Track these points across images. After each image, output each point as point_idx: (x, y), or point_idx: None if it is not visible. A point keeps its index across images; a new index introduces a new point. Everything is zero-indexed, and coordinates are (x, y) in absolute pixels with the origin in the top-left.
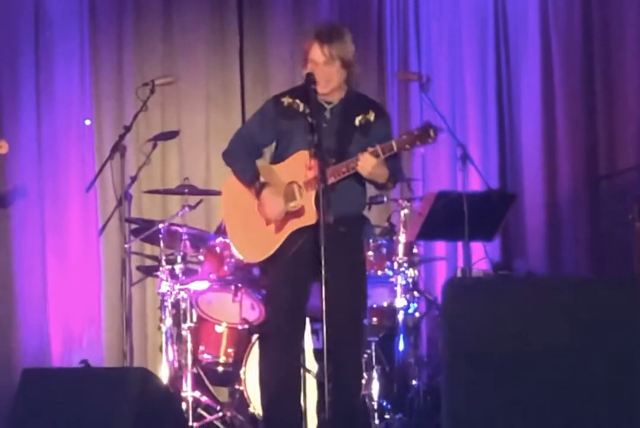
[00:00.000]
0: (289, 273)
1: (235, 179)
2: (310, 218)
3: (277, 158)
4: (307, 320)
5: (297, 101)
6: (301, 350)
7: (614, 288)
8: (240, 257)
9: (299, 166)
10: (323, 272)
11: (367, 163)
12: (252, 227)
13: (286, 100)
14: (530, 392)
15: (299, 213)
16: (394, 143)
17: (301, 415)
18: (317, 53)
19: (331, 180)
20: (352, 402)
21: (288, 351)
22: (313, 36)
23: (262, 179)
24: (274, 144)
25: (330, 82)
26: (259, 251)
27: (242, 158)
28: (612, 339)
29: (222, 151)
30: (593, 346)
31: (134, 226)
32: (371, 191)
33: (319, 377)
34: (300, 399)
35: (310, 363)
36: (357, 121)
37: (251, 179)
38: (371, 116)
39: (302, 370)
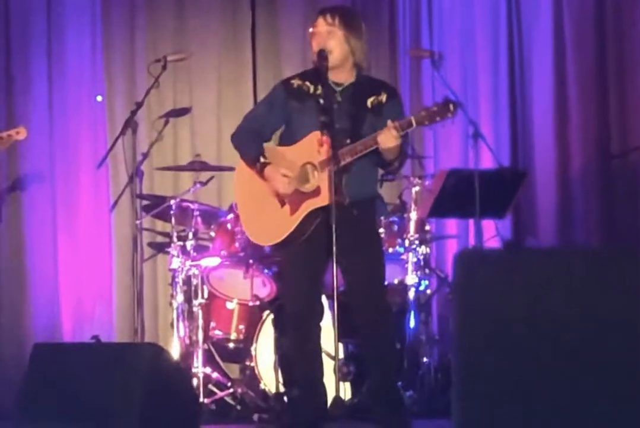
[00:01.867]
0: (304, 256)
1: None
2: (324, 198)
3: (287, 140)
4: (324, 298)
5: (307, 83)
6: (319, 332)
7: (624, 259)
8: (255, 241)
9: (314, 147)
10: (335, 253)
11: (388, 137)
12: (266, 210)
13: (296, 82)
14: (542, 365)
15: (314, 193)
16: (412, 119)
17: (326, 396)
18: (319, 23)
19: (348, 159)
20: (389, 381)
21: (307, 336)
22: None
23: (262, 159)
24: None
25: (331, 53)
26: (273, 234)
27: (248, 141)
28: (623, 309)
29: (232, 132)
30: (605, 317)
31: (145, 202)
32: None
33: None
34: (322, 379)
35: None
36: (369, 103)
37: (253, 161)
38: (383, 97)
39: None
